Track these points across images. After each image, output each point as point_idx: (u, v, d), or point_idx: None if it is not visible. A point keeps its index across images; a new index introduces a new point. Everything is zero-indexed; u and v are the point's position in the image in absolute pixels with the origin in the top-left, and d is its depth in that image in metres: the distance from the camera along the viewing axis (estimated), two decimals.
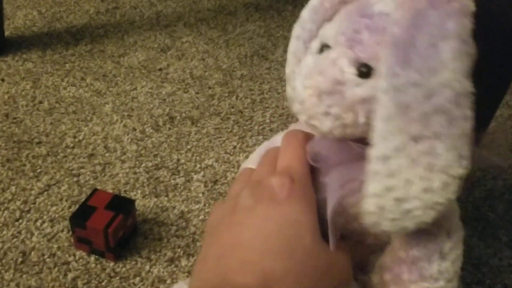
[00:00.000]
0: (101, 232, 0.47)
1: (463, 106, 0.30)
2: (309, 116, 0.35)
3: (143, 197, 0.57)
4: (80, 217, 0.48)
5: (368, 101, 0.33)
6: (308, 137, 0.37)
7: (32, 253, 0.50)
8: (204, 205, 0.57)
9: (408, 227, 0.33)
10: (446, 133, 0.30)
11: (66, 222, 0.53)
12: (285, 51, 0.91)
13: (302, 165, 0.34)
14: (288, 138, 0.36)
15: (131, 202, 0.51)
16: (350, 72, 0.33)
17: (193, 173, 0.62)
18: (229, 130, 0.69)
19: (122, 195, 0.57)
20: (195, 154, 0.65)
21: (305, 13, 0.40)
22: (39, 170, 0.60)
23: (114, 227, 0.47)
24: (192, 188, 0.59)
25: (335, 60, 0.34)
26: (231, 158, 0.64)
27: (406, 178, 0.31)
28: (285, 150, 0.35)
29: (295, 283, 0.27)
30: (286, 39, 0.92)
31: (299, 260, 0.28)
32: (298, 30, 0.42)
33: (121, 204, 0.50)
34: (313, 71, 0.35)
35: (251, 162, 0.59)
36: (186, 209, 0.57)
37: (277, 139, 0.58)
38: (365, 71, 0.33)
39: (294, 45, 0.43)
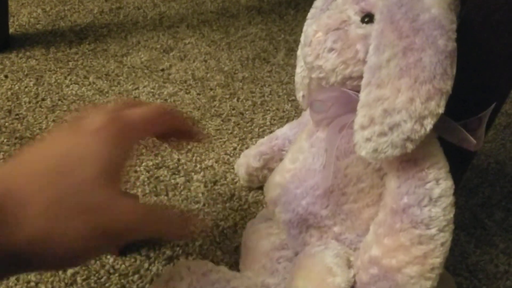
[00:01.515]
0: None
1: (445, 29, 0.35)
2: (316, 55, 0.41)
3: (143, 195, 0.58)
4: None
5: (367, 37, 0.38)
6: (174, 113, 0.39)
7: None
8: (204, 205, 0.58)
9: (397, 144, 0.35)
10: (431, 48, 0.34)
11: None
12: (286, 55, 0.91)
13: (140, 115, 0.35)
14: (154, 105, 0.38)
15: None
16: (355, 18, 0.40)
17: (193, 173, 0.62)
18: (229, 131, 0.70)
19: None
20: (195, 155, 0.65)
21: None
22: None
23: None
24: (192, 188, 0.60)
25: (343, 10, 0.41)
26: (231, 159, 0.65)
27: (394, 87, 0.35)
28: (140, 104, 0.36)
29: (42, 209, 0.27)
30: (288, 42, 0.92)
31: (61, 189, 0.28)
32: (319, 2, 0.47)
33: None
34: (323, 17, 0.41)
35: (247, 154, 0.60)
36: (186, 209, 0.57)
37: (277, 134, 0.60)
38: (367, 20, 0.39)
39: (307, 23, 0.47)
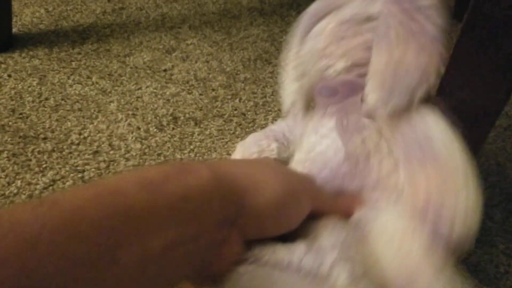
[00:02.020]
0: None
1: (440, 12, 0.40)
2: (328, 43, 0.46)
3: None
4: None
5: (376, 28, 0.43)
6: None
7: None
8: None
9: (406, 95, 0.40)
10: (430, 21, 0.40)
11: None
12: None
13: None
14: None
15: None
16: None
17: None
18: (231, 132, 0.70)
19: None
20: (198, 155, 0.65)
21: None
22: (44, 165, 0.60)
23: None
24: None
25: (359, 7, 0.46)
26: None
27: (402, 49, 0.40)
28: None
29: (274, 182, 0.36)
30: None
31: (282, 174, 0.38)
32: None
33: None
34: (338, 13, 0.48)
35: (243, 144, 0.61)
36: None
37: (272, 127, 0.61)
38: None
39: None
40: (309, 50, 0.51)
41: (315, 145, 0.48)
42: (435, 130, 0.42)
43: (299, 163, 0.49)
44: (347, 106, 0.45)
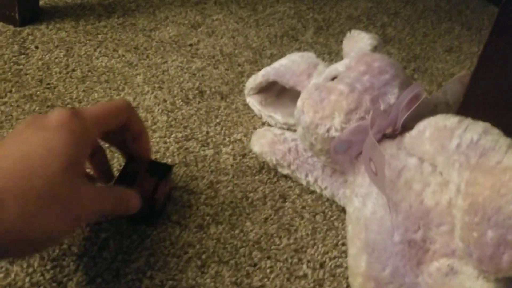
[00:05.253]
0: (147, 199, 0.47)
1: None
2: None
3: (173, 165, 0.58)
4: (125, 182, 0.47)
5: None
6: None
7: None
8: (233, 177, 0.58)
9: None
10: None
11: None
12: (314, 33, 0.90)
13: (101, 111, 0.39)
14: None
15: (170, 167, 0.51)
16: None
17: (222, 146, 0.62)
18: None
19: None
20: (224, 128, 0.65)
21: None
22: None
23: (159, 193, 0.47)
24: (221, 160, 0.60)
25: None
26: None
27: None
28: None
29: (19, 204, 0.29)
30: (316, 21, 0.91)
31: (34, 184, 0.30)
32: None
33: (160, 170, 0.49)
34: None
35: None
36: (215, 180, 0.57)
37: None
38: None
39: None
40: (302, 129, 0.51)
41: (361, 210, 0.44)
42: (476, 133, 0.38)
43: (355, 237, 0.44)
44: (368, 152, 0.43)
